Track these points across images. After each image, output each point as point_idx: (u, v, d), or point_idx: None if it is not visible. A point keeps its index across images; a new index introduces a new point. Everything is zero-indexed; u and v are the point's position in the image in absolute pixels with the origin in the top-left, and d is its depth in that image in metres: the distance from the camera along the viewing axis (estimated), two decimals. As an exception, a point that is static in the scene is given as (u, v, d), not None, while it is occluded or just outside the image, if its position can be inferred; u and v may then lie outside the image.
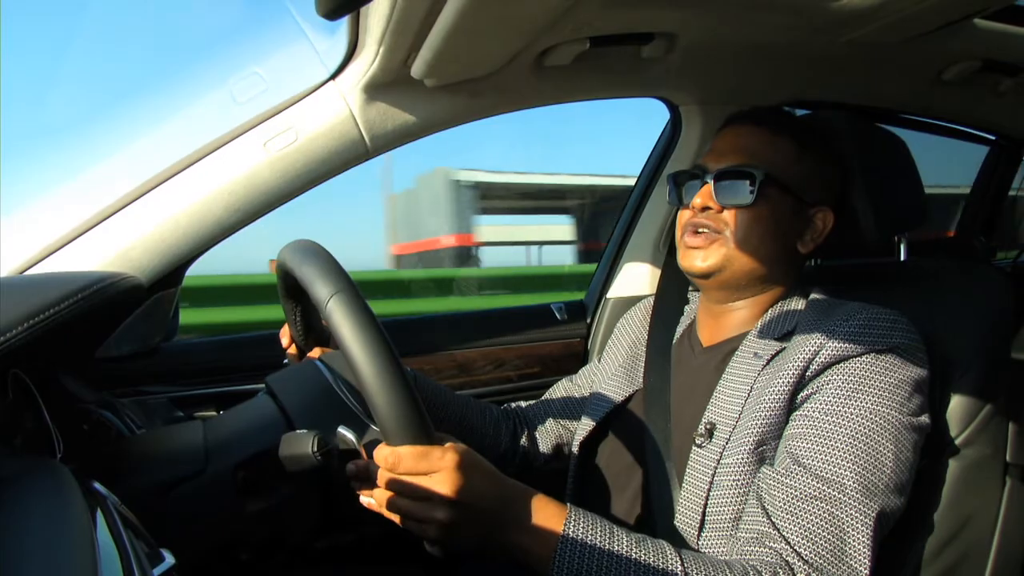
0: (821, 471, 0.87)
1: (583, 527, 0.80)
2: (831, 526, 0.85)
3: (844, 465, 0.86)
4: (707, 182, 1.06)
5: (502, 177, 13.00)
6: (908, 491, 0.91)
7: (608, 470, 1.16)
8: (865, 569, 0.84)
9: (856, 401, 0.90)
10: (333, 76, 1.26)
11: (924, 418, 0.94)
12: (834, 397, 0.91)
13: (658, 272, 1.30)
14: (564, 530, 0.79)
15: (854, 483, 0.86)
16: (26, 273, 1.14)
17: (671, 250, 1.17)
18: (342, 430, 0.87)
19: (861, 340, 0.93)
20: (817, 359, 0.93)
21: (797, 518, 0.86)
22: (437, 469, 0.76)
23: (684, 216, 1.10)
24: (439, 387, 1.27)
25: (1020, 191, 2.45)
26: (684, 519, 0.97)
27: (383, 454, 0.75)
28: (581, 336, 1.81)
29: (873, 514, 0.85)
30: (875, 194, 1.13)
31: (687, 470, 1.00)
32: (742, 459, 0.93)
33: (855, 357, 0.93)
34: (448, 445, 0.77)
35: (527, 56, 1.26)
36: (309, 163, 1.26)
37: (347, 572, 1.25)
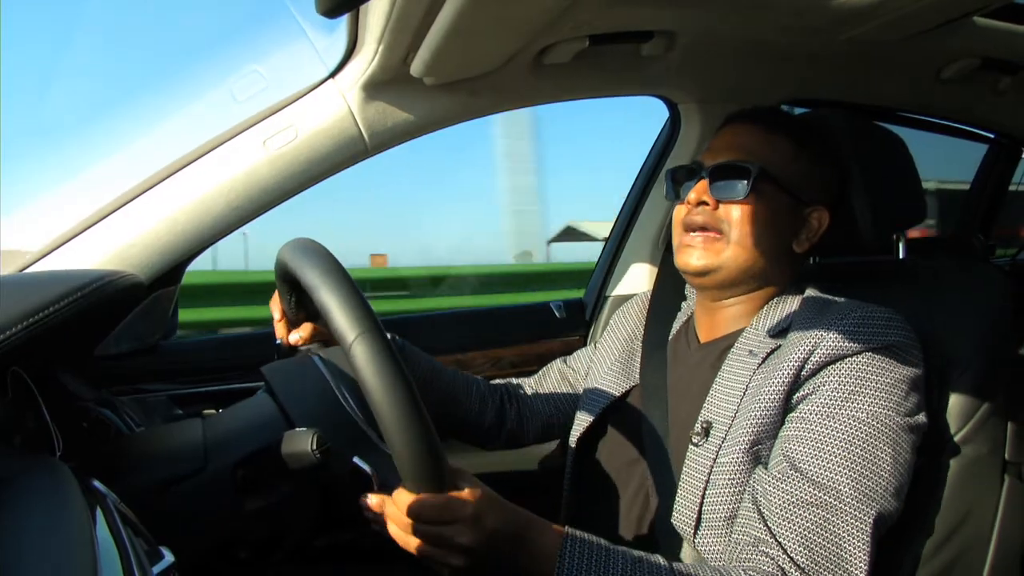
0: (817, 476, 0.87)
1: (579, 551, 0.82)
2: (827, 533, 0.85)
3: (840, 471, 0.86)
4: (703, 177, 1.06)
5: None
6: (905, 492, 0.91)
7: (605, 467, 1.16)
8: (862, 574, 0.84)
9: (852, 403, 0.90)
10: (333, 74, 1.26)
11: (921, 417, 0.94)
12: (830, 399, 0.91)
13: (657, 269, 1.30)
14: (561, 555, 0.81)
15: (850, 489, 0.86)
16: (26, 271, 1.14)
17: (669, 247, 1.17)
18: (357, 461, 0.87)
19: (856, 338, 0.93)
20: (812, 358, 0.93)
21: (793, 524, 0.86)
22: (458, 520, 0.77)
23: (680, 212, 1.10)
24: (425, 358, 1.26)
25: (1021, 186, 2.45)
26: (680, 517, 0.97)
27: (404, 501, 0.76)
28: (581, 334, 1.80)
29: (870, 520, 0.85)
30: (873, 192, 1.13)
31: (684, 468, 1.00)
32: (738, 458, 0.93)
33: (850, 356, 0.92)
34: (466, 492, 0.78)
35: (526, 54, 1.26)
36: (309, 161, 1.26)
37: (346, 570, 1.25)
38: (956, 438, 1.04)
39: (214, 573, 0.92)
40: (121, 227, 1.18)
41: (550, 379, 1.39)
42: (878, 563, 0.86)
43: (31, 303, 0.72)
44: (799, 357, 0.94)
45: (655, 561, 0.84)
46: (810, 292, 1.07)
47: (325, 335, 1.11)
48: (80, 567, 0.50)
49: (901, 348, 0.94)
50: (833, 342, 0.93)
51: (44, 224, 1.17)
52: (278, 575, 1.07)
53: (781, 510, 0.87)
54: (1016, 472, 1.10)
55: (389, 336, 0.75)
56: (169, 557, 0.64)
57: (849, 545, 0.84)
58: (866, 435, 0.88)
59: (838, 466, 0.87)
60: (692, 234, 1.07)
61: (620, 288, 1.78)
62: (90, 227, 1.18)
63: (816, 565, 0.84)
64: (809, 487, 0.86)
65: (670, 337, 1.21)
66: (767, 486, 0.89)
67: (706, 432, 0.99)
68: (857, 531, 0.85)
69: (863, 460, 0.87)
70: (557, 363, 1.42)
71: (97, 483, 0.70)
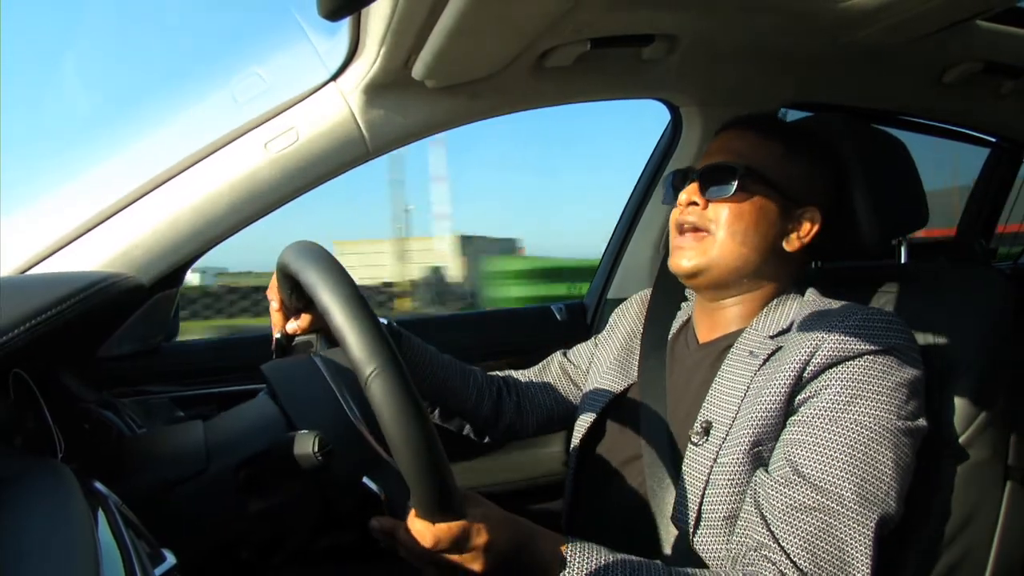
0: (819, 481, 0.87)
1: (582, 558, 0.83)
2: (830, 537, 0.85)
3: (842, 476, 0.87)
4: (694, 179, 1.09)
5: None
6: (906, 495, 0.91)
7: (605, 466, 1.16)
8: None
9: (854, 407, 0.90)
10: (334, 77, 1.26)
11: (922, 421, 0.94)
12: (832, 403, 0.91)
13: (657, 272, 1.30)
14: (567, 564, 0.82)
15: (853, 494, 0.86)
16: (28, 273, 1.14)
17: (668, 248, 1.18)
18: (367, 481, 0.88)
19: (858, 341, 0.93)
20: (814, 360, 0.93)
21: (796, 529, 0.86)
22: (472, 549, 0.78)
23: (674, 215, 1.13)
24: (423, 347, 1.25)
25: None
26: (680, 516, 0.98)
27: (419, 529, 0.76)
28: (582, 337, 1.80)
29: (872, 524, 0.85)
30: (875, 196, 1.13)
31: (683, 468, 1.00)
32: (738, 459, 0.94)
33: (852, 359, 0.93)
34: (480, 518, 0.79)
35: (528, 57, 1.26)
36: (310, 164, 1.26)
37: (348, 571, 1.25)
38: (958, 442, 1.04)
39: (216, 574, 0.92)
40: (122, 229, 1.19)
41: (551, 371, 1.40)
42: (880, 567, 0.86)
43: (33, 305, 0.73)
44: (801, 359, 0.94)
45: (655, 567, 0.85)
46: (811, 295, 1.08)
47: (322, 324, 1.10)
48: (82, 569, 0.50)
49: (902, 351, 0.95)
50: (834, 344, 0.93)
51: (46, 225, 1.17)
52: (279, 577, 1.07)
53: (784, 514, 0.87)
54: (1018, 477, 1.10)
55: (384, 322, 0.75)
56: (171, 559, 0.64)
57: (852, 549, 0.84)
58: (868, 439, 0.88)
59: (840, 471, 0.87)
60: (683, 236, 1.10)
61: (621, 291, 1.78)
62: (91, 229, 1.18)
63: (819, 569, 0.84)
64: (812, 492, 0.87)
65: (669, 337, 1.22)
66: (769, 490, 0.90)
67: (706, 432, 0.99)
68: (860, 535, 0.85)
69: (865, 464, 0.87)
70: (558, 356, 1.43)
71: (99, 485, 0.70)
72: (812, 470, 0.88)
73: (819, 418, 0.91)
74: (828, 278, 1.32)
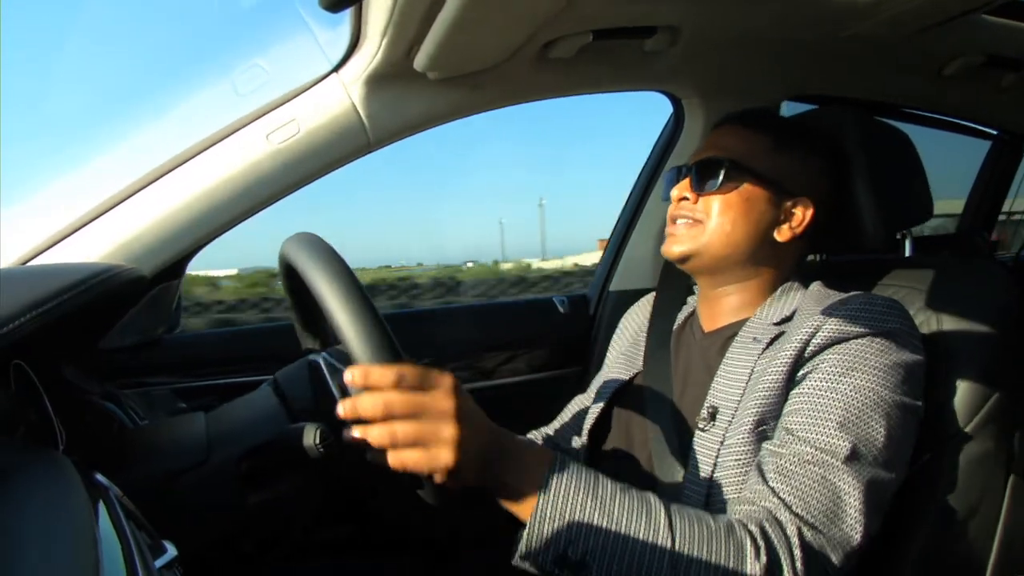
0: (814, 440, 0.89)
1: (568, 470, 0.81)
2: (825, 488, 0.86)
3: (837, 435, 0.88)
4: (686, 175, 1.13)
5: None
6: (900, 472, 0.92)
7: (614, 454, 1.17)
8: (858, 535, 0.85)
9: (850, 379, 0.92)
10: (336, 68, 1.26)
11: (917, 403, 0.95)
12: (829, 375, 0.93)
13: (660, 264, 1.30)
14: (550, 471, 0.80)
15: (846, 451, 0.87)
16: (28, 264, 1.14)
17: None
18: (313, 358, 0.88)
19: (857, 322, 0.95)
20: (814, 340, 0.96)
21: (790, 479, 0.87)
22: (439, 385, 0.75)
23: (669, 209, 1.16)
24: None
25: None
26: (689, 501, 0.98)
27: (381, 372, 0.72)
28: (584, 329, 1.81)
29: (865, 480, 0.87)
30: (878, 189, 1.13)
31: (691, 453, 1.01)
32: (743, 439, 0.95)
33: (851, 339, 0.95)
34: (447, 378, 0.76)
35: (530, 49, 1.25)
36: (311, 155, 1.26)
37: (348, 563, 1.25)
38: (961, 433, 1.04)
39: (217, 566, 0.93)
40: (124, 221, 1.18)
41: (569, 411, 1.37)
42: (884, 557, 0.86)
43: (34, 296, 0.72)
44: (801, 340, 0.96)
45: (642, 493, 0.85)
46: (815, 287, 1.09)
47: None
48: (82, 560, 0.50)
49: (900, 335, 0.96)
50: (835, 325, 0.95)
51: (47, 216, 1.17)
52: (281, 568, 1.07)
53: (779, 468, 0.89)
54: (1021, 469, 1.10)
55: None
56: (172, 550, 0.64)
57: (846, 503, 0.86)
58: (861, 406, 0.90)
59: (835, 431, 0.89)
60: (676, 226, 1.13)
61: (623, 283, 1.78)
62: (93, 221, 1.18)
63: (813, 517, 0.85)
64: (806, 447, 0.88)
65: (675, 328, 1.23)
66: (766, 454, 0.92)
67: (712, 417, 1.01)
68: (854, 489, 0.86)
69: (858, 428, 0.89)
70: (577, 399, 1.39)
71: (100, 476, 0.71)
72: (807, 431, 0.90)
73: (816, 389, 0.93)
74: (833, 271, 1.32)
